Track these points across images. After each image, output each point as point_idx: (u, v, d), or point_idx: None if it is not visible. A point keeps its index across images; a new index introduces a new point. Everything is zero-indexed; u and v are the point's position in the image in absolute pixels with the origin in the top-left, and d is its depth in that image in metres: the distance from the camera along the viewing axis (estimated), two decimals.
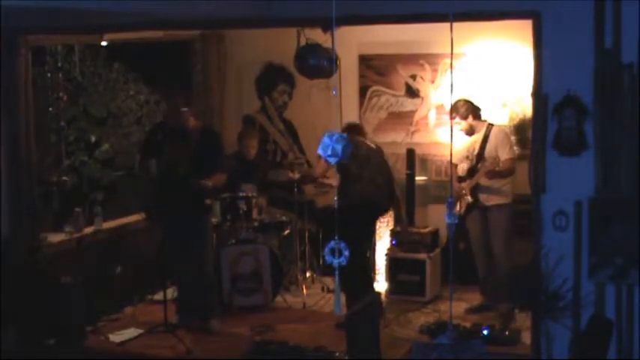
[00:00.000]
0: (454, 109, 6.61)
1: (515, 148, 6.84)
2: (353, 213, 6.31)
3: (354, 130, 6.76)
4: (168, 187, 6.25)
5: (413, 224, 7.54)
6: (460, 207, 6.71)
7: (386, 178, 6.71)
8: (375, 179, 6.60)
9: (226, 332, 6.52)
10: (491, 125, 6.71)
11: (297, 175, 7.38)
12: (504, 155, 6.53)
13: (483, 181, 6.59)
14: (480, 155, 6.63)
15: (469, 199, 6.66)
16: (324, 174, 6.98)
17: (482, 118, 6.79)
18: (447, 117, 7.48)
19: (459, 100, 6.66)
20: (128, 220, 7.43)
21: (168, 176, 6.24)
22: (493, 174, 6.53)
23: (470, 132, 6.71)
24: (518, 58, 7.18)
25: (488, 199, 6.65)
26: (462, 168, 6.76)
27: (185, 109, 6.29)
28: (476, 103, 6.78)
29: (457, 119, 6.63)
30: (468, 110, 6.66)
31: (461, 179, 6.73)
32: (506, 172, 6.57)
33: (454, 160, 6.77)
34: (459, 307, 6.70)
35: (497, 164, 6.51)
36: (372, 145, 6.79)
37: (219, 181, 6.47)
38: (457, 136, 6.74)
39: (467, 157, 6.72)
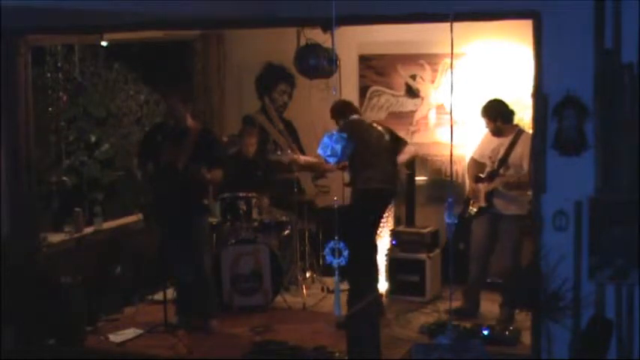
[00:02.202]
0: (484, 110, 6.47)
1: None
2: (367, 199, 6.34)
3: (351, 111, 6.83)
4: (167, 186, 6.24)
5: (413, 225, 7.54)
6: (472, 207, 6.62)
7: (392, 160, 6.70)
8: (385, 166, 6.60)
9: (226, 332, 6.52)
10: (521, 131, 6.43)
11: (300, 159, 7.33)
12: (527, 166, 6.07)
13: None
14: (504, 160, 6.41)
15: (482, 203, 6.52)
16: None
17: (514, 122, 6.55)
18: (447, 117, 7.45)
19: (491, 101, 6.50)
20: (128, 220, 7.43)
21: (166, 174, 6.23)
22: (511, 186, 6.34)
23: (497, 133, 6.50)
24: (518, 58, 7.18)
25: (505, 208, 6.44)
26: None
27: (183, 106, 6.29)
28: (510, 105, 6.54)
29: (485, 120, 6.48)
30: (498, 113, 6.44)
31: (478, 179, 6.58)
32: (527, 185, 6.08)
33: (477, 158, 6.71)
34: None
35: (520, 173, 6.27)
36: (379, 128, 6.80)
37: (216, 176, 6.40)
38: (481, 134, 6.69)
39: (489, 158, 6.53)
